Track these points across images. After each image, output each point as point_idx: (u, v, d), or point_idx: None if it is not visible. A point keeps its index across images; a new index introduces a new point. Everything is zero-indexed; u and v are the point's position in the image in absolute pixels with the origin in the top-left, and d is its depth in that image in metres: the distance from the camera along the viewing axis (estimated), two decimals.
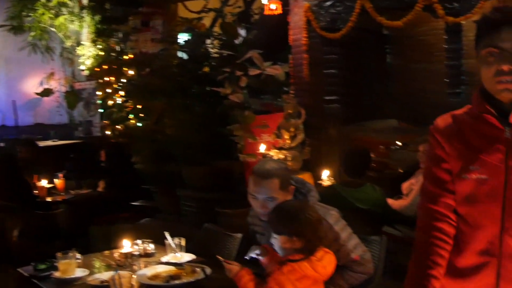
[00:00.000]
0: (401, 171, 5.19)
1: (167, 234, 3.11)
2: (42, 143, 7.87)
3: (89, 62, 8.67)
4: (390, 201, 4.37)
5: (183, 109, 6.53)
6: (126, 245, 3.11)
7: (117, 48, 8.41)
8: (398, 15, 5.10)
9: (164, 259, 3.03)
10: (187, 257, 3.05)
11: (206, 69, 6.59)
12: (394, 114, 6.29)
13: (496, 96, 1.71)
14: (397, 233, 4.19)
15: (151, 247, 3.24)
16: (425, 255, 1.78)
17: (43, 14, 8.77)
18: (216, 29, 6.60)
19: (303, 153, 5.52)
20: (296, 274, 2.34)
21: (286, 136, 5.47)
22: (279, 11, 6.55)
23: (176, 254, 3.06)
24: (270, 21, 6.64)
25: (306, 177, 5.06)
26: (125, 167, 6.38)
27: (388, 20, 5.15)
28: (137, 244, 3.21)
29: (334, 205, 2.85)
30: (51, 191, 5.62)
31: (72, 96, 9.35)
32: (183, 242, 3.13)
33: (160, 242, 3.22)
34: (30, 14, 8.91)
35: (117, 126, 7.78)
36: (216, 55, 6.51)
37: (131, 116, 7.55)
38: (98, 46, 8.50)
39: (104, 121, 8.32)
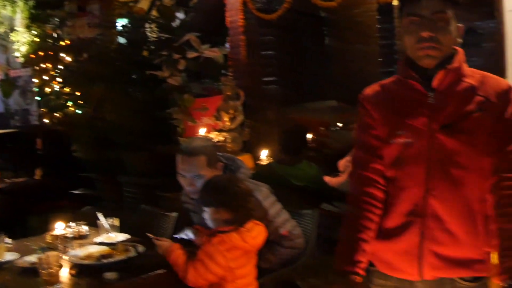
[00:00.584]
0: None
1: (100, 215, 3.08)
2: None
3: (24, 49, 8.39)
4: (327, 178, 4.42)
5: (122, 95, 6.41)
6: (59, 227, 3.06)
7: (54, 34, 8.16)
8: None
9: (98, 239, 3.01)
10: (121, 237, 3.02)
11: (145, 53, 6.49)
12: (333, 95, 6.37)
13: (419, 62, 1.78)
14: (335, 210, 4.28)
15: (84, 229, 3.20)
16: (355, 220, 1.84)
17: None
18: (154, 12, 6.51)
19: (243, 135, 5.54)
20: (226, 245, 2.37)
21: (226, 118, 5.48)
22: None
23: (110, 234, 3.04)
24: (208, 3, 6.59)
25: (246, 158, 5.10)
26: (63, 154, 6.25)
27: (322, 1, 5.20)
28: (70, 227, 3.17)
29: (271, 183, 2.89)
30: None
31: (7, 84, 9.00)
32: (116, 222, 3.10)
33: (96, 226, 3.17)
34: None
35: (55, 114, 7.58)
36: (154, 39, 6.42)
37: (69, 103, 7.35)
38: (33, 32, 8.24)
39: (42, 109, 8.09)
